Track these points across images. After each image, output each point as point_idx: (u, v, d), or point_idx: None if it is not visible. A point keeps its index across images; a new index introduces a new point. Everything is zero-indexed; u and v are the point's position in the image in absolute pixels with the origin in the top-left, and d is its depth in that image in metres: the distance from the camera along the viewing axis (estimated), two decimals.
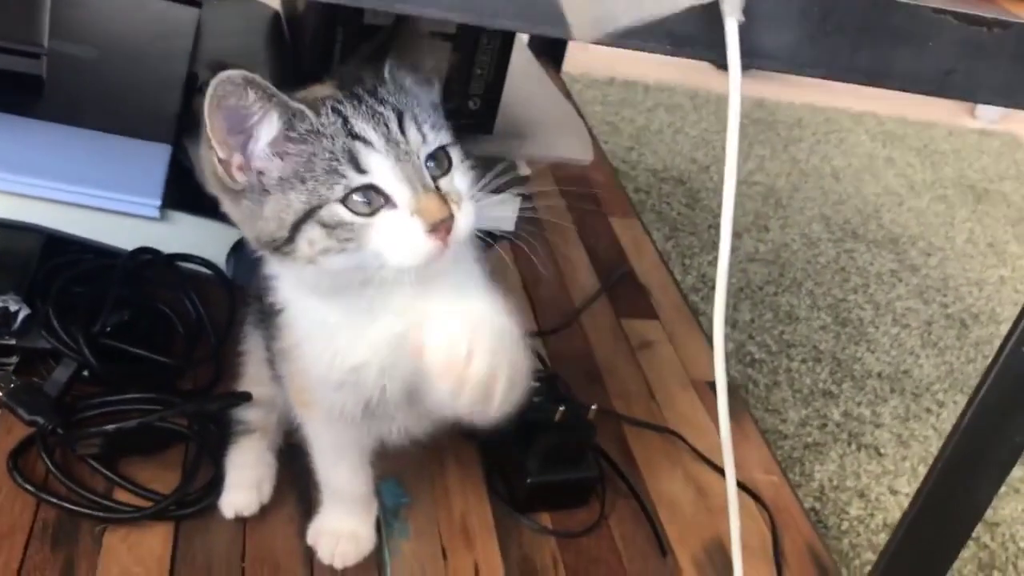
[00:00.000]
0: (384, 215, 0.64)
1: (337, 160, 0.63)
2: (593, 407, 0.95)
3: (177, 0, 1.37)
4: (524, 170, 1.43)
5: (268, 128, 0.63)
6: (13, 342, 0.92)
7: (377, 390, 0.73)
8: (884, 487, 1.44)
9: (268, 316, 0.79)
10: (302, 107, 0.64)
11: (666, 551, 0.95)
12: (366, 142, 0.64)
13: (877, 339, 1.77)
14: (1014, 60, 0.58)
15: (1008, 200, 2.42)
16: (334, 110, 0.64)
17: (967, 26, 0.57)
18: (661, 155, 2.23)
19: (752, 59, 0.55)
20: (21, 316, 0.92)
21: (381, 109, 0.65)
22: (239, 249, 1.05)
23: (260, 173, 0.64)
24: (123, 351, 0.96)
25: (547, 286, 1.30)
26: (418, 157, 0.65)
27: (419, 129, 0.66)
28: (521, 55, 1.52)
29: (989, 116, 2.88)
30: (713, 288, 1.77)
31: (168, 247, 1.03)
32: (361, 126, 0.64)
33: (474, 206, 0.66)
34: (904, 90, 0.59)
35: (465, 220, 0.65)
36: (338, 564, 0.85)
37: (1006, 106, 0.61)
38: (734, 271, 1.85)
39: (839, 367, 1.67)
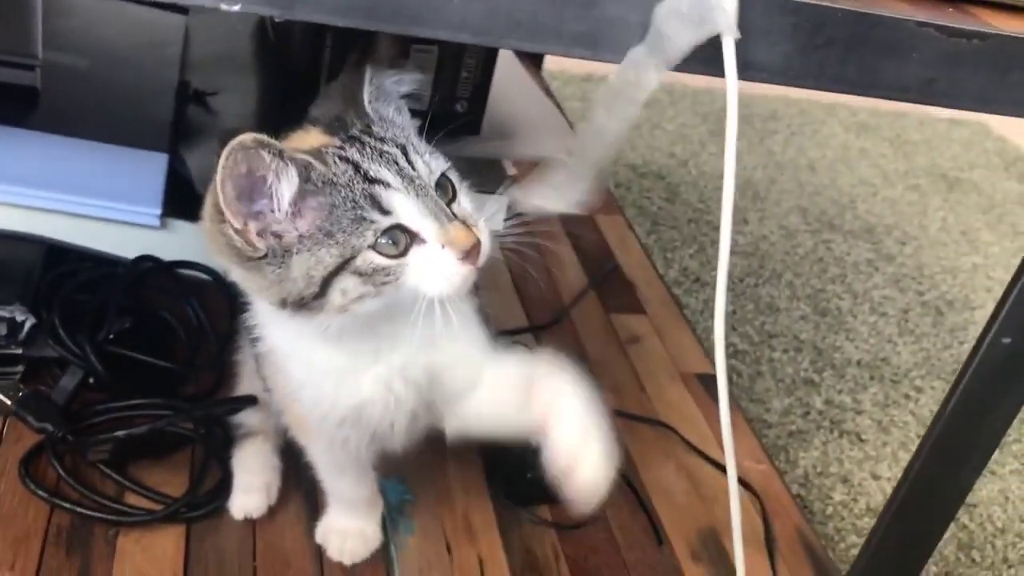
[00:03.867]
0: (416, 252, 0.64)
1: (360, 207, 0.63)
2: None
3: (164, 7, 1.38)
4: (510, 170, 1.46)
5: (288, 186, 0.62)
6: (19, 351, 0.94)
7: (383, 423, 0.75)
8: (866, 472, 1.48)
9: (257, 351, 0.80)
10: (311, 159, 0.63)
11: (662, 540, 0.98)
12: (384, 184, 0.64)
13: (856, 328, 1.81)
14: (992, 69, 0.61)
15: (979, 188, 2.47)
16: (340, 158, 0.64)
17: (948, 38, 0.60)
18: (640, 150, 2.26)
19: (748, 72, 0.58)
20: (27, 326, 0.94)
21: (384, 148, 0.65)
22: None
23: (277, 236, 0.63)
24: (127, 358, 0.97)
25: (536, 283, 1.33)
26: (432, 188, 0.66)
27: (423, 160, 0.66)
28: (504, 56, 1.55)
29: None
30: (696, 281, 1.81)
31: (168, 255, 1.05)
32: (375, 168, 0.64)
33: (487, 224, 0.67)
34: (889, 99, 0.63)
35: (487, 240, 0.66)
36: (347, 561, 0.87)
37: (985, 112, 0.64)
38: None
39: (820, 356, 1.71)
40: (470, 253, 0.64)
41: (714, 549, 0.98)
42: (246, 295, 0.72)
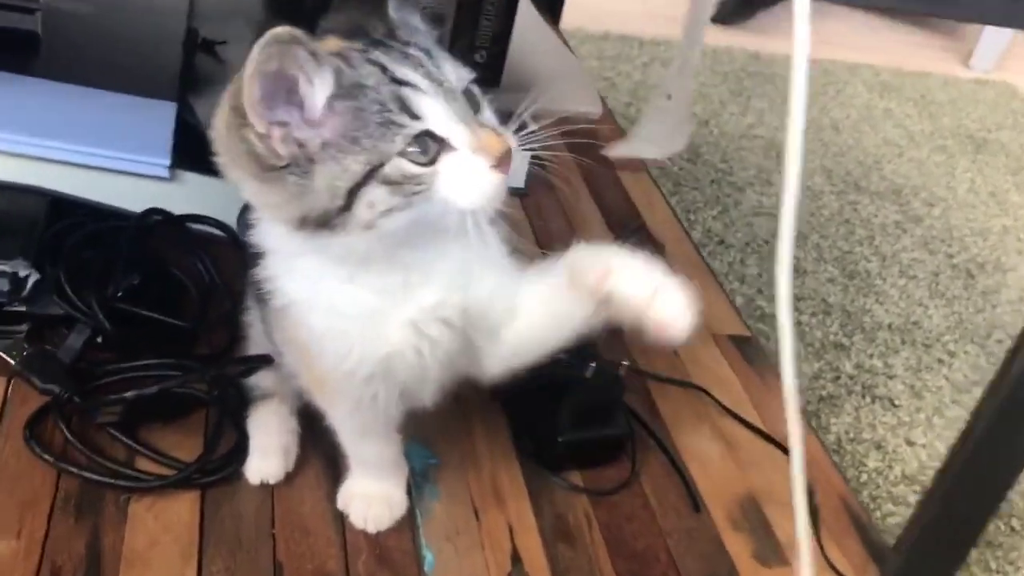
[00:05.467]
0: (446, 159, 0.60)
1: (389, 110, 0.58)
2: (624, 363, 0.93)
3: None
4: (531, 124, 1.41)
5: (321, 90, 0.58)
6: (23, 309, 0.89)
7: (415, 374, 0.70)
8: (900, 439, 1.43)
9: (267, 305, 0.74)
10: (339, 62, 0.58)
11: (699, 507, 0.94)
12: (412, 86, 0.59)
13: (885, 291, 1.76)
14: None
15: (1007, 149, 2.40)
16: (367, 60, 0.59)
17: None
18: None
19: None
20: (31, 282, 0.89)
21: (410, 51, 0.61)
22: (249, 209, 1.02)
23: (300, 144, 0.59)
24: (136, 315, 0.93)
25: (561, 242, 1.27)
26: (460, 94, 0.61)
27: (450, 65, 0.62)
28: (524, 7, 1.49)
29: (983, 66, 2.86)
30: (720, 243, 1.76)
31: (178, 208, 1.00)
32: (402, 70, 0.59)
33: (513, 135, 0.63)
34: (967, 20, 0.57)
35: (516, 149, 0.62)
36: (372, 528, 0.82)
37: None
38: (739, 226, 1.83)
39: (849, 319, 1.66)
40: (502, 160, 0.60)
41: (755, 517, 0.93)
42: (257, 248, 0.68)
